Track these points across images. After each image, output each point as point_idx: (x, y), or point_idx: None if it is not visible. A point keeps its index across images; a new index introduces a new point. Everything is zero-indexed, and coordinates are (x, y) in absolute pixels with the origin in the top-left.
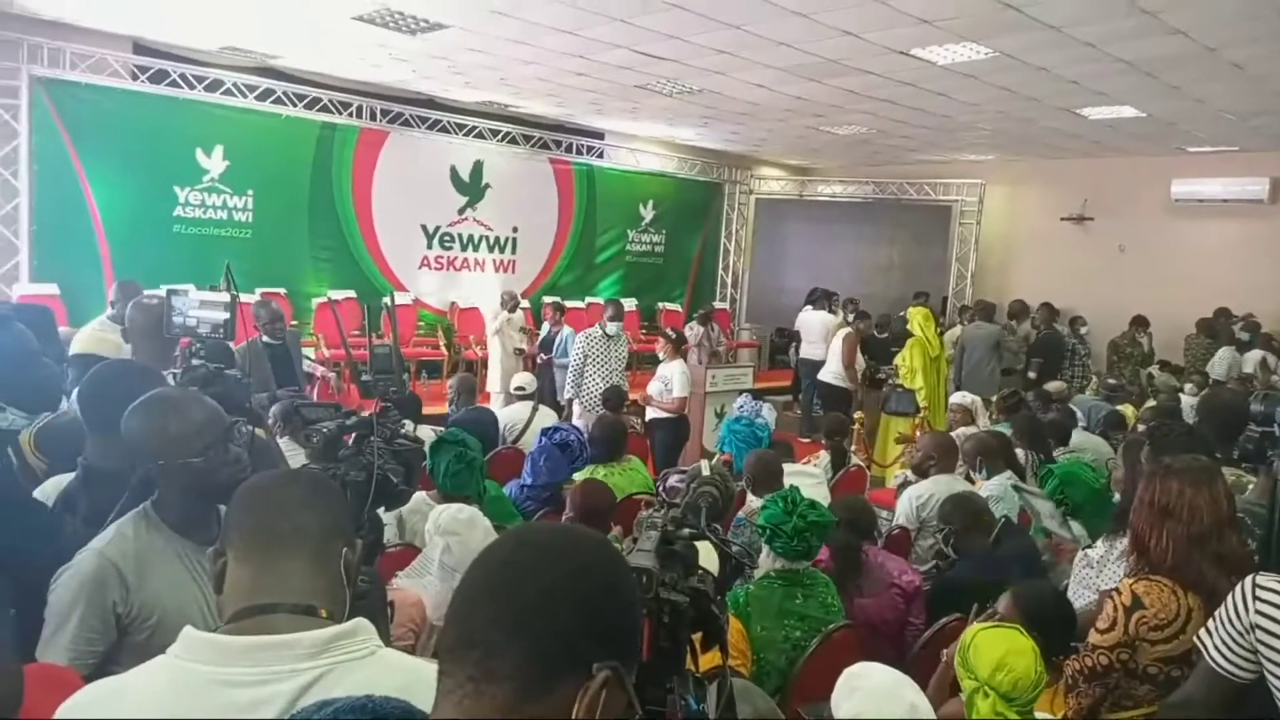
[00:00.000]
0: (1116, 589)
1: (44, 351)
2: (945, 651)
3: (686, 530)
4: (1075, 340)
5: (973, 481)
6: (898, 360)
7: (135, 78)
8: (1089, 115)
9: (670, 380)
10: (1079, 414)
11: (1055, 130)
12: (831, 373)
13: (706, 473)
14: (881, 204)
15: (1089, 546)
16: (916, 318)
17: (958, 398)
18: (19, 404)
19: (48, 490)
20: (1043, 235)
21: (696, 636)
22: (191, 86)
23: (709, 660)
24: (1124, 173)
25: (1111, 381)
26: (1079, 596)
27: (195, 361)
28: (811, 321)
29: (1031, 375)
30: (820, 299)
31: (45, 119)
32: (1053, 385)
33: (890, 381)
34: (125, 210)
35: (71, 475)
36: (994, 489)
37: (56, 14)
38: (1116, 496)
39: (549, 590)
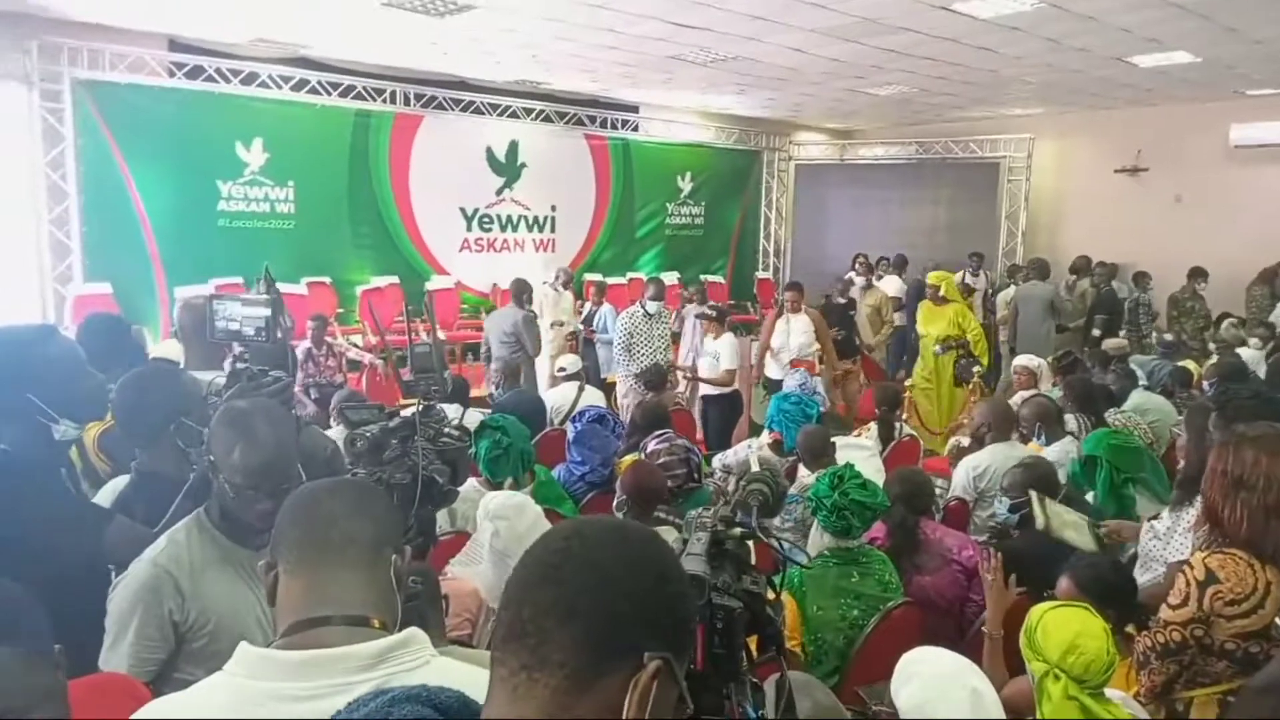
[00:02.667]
0: (1188, 563)
1: (121, 356)
2: (984, 630)
3: (738, 529)
4: (1139, 295)
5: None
6: (949, 330)
7: (172, 75)
8: (1140, 63)
9: (719, 354)
10: (1139, 373)
11: (1105, 80)
12: None
13: (756, 468)
14: (926, 164)
15: (1154, 518)
16: (944, 284)
17: (1022, 360)
18: (70, 415)
19: (106, 493)
20: (1095, 189)
21: (751, 640)
22: (227, 80)
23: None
24: (1179, 120)
25: (1168, 338)
26: (1146, 569)
27: (239, 365)
28: (891, 289)
29: (1096, 333)
30: (896, 264)
31: (89, 121)
32: (1111, 343)
33: (955, 350)
34: (170, 207)
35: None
36: (1055, 455)
37: (94, 16)
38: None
39: (601, 579)
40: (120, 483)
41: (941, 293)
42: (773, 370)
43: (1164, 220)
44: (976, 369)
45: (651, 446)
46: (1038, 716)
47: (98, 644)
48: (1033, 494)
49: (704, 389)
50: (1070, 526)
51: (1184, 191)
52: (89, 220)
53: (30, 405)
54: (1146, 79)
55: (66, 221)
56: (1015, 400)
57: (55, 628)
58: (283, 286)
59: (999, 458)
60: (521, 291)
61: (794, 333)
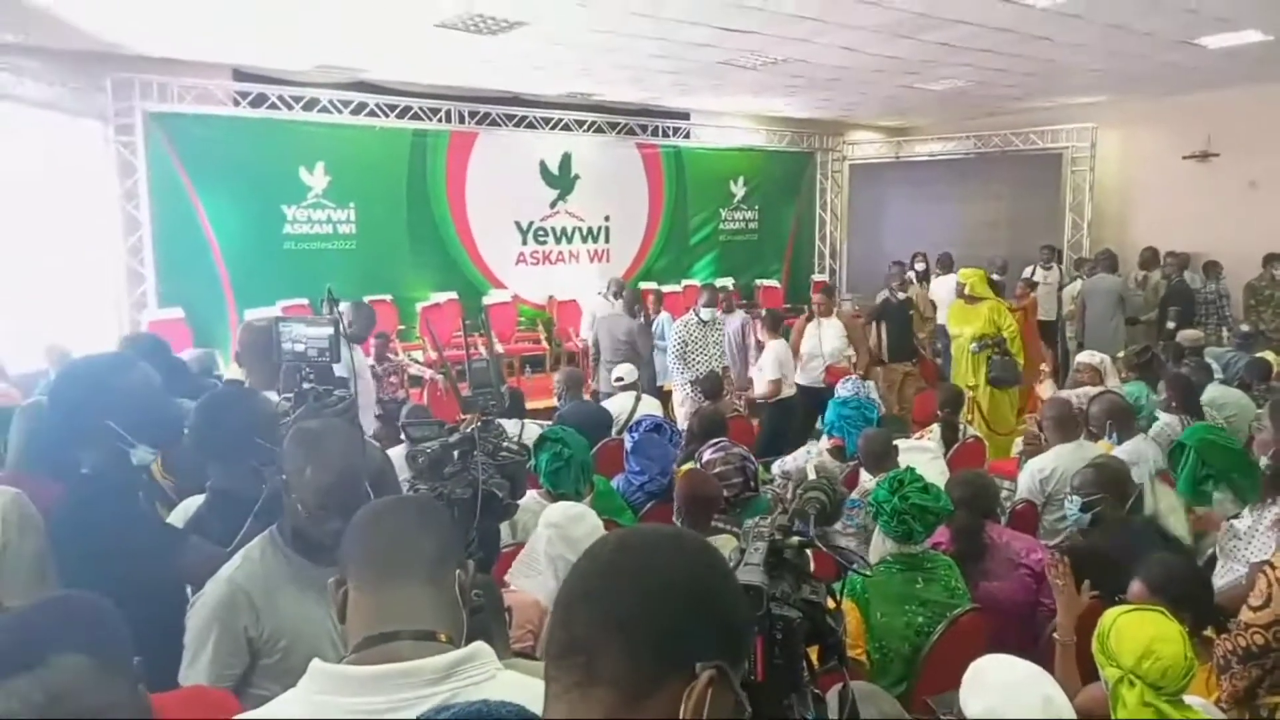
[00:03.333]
0: (1270, 562)
1: (168, 378)
2: (1055, 635)
3: (796, 539)
4: (1212, 285)
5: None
6: (984, 329)
7: (237, 104)
8: (1208, 45)
9: (763, 366)
10: (1215, 366)
11: (1171, 65)
12: None
13: (813, 476)
14: (985, 158)
15: (1235, 517)
16: (975, 279)
17: (1085, 356)
18: (147, 440)
19: (179, 513)
20: (1163, 177)
21: (812, 650)
22: (290, 107)
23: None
24: (1251, 102)
25: (1244, 329)
26: (1227, 570)
27: (305, 385)
28: (946, 289)
29: (1170, 325)
30: (942, 264)
31: (159, 151)
32: (1187, 334)
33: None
34: (238, 232)
35: (202, 497)
36: (1128, 454)
37: (163, 51)
38: (1263, 460)
39: (650, 592)
40: (193, 503)
41: (968, 290)
42: (800, 377)
43: (1237, 207)
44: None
45: (707, 456)
46: None
47: (177, 662)
48: (1149, 473)
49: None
50: (1173, 512)
51: (1258, 176)
52: (161, 248)
53: (109, 431)
54: (1216, 61)
55: (140, 250)
56: (1077, 396)
57: (135, 647)
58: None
59: (1066, 459)
60: (634, 301)
61: (826, 338)
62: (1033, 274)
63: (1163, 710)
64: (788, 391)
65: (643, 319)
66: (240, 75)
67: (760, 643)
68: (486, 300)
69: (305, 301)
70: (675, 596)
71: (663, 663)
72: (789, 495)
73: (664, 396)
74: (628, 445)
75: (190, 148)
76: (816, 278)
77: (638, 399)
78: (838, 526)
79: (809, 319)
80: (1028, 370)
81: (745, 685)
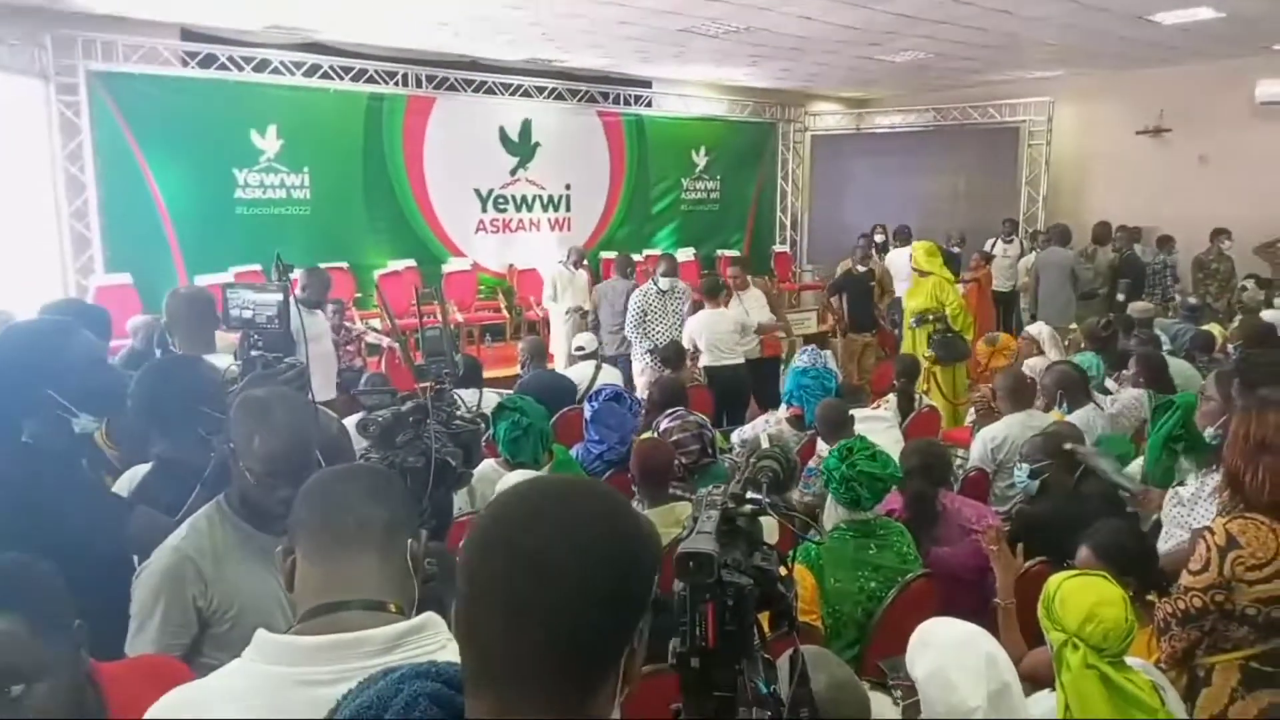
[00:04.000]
0: (1209, 528)
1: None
2: (996, 601)
3: (748, 506)
4: (1163, 259)
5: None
6: (926, 304)
7: (185, 64)
8: (1163, 20)
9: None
10: (1163, 338)
11: (1127, 39)
12: None
13: (766, 445)
14: (944, 131)
15: (1180, 484)
16: (920, 253)
17: (1030, 328)
18: (89, 409)
19: (124, 482)
20: (1117, 152)
21: (763, 616)
22: (240, 68)
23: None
24: (1203, 78)
25: (1192, 301)
26: (1171, 536)
27: (254, 352)
28: (901, 260)
29: (1121, 297)
30: (899, 236)
31: (105, 112)
32: (1137, 306)
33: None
34: (188, 196)
35: (148, 466)
36: (1079, 423)
37: (106, 8)
38: (1208, 430)
39: (570, 609)
40: (139, 472)
41: (913, 264)
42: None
43: (1188, 181)
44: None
45: (664, 424)
46: (1058, 687)
47: (123, 632)
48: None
49: (704, 360)
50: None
51: (1208, 151)
52: (108, 212)
53: (49, 400)
54: (1170, 37)
55: (86, 214)
56: (1027, 368)
57: (81, 617)
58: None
59: (1016, 428)
60: (625, 264)
61: (752, 310)
62: (993, 246)
63: (1105, 671)
64: (708, 360)
65: (634, 281)
66: (188, 35)
67: (711, 610)
68: (446, 269)
69: (258, 268)
70: (598, 602)
71: (599, 666)
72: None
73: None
74: (587, 414)
75: (137, 109)
76: (778, 249)
77: (598, 368)
78: (794, 495)
79: (728, 296)
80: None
81: (696, 652)
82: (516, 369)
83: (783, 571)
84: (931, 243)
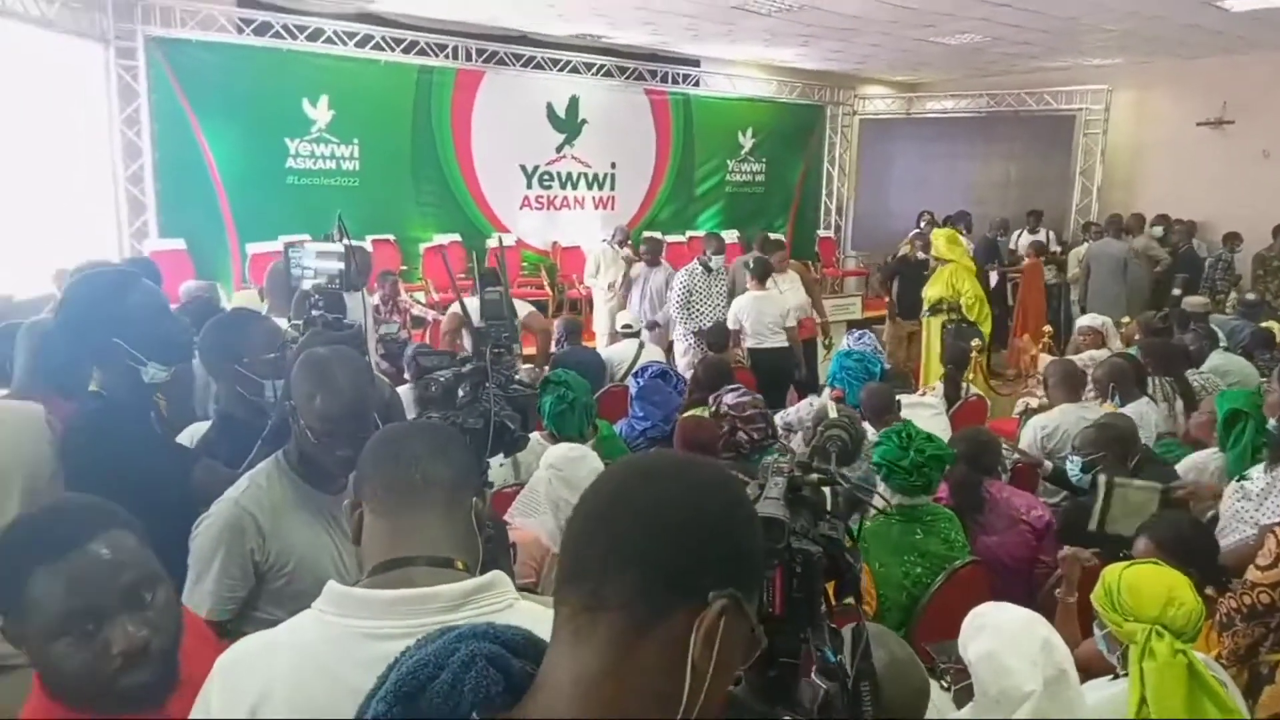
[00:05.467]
0: None
1: None
2: (1058, 591)
3: (814, 475)
4: (1222, 253)
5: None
6: (942, 292)
7: (240, 31)
8: (1231, 7)
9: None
10: (1219, 334)
11: (1192, 27)
12: None
13: (834, 414)
14: (997, 117)
15: (1243, 478)
16: (940, 240)
17: (1087, 319)
18: (157, 357)
19: (184, 437)
20: (1175, 143)
21: (829, 586)
22: (294, 36)
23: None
24: (1270, 69)
25: (1250, 297)
26: (1233, 530)
27: (314, 313)
28: None
29: (1177, 292)
30: (959, 221)
31: (161, 78)
32: (1192, 300)
33: (945, 315)
34: (241, 164)
35: (207, 424)
36: (1130, 416)
37: None
38: (1271, 422)
39: (662, 517)
40: (200, 428)
41: (933, 252)
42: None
43: (1249, 176)
44: (975, 341)
45: (730, 400)
46: (1129, 679)
47: (183, 582)
48: (1101, 480)
49: (749, 342)
50: (1135, 511)
51: (1271, 146)
52: (163, 177)
53: (117, 349)
54: (1238, 25)
55: (141, 179)
56: (1083, 359)
57: None
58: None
59: (1070, 417)
60: (656, 249)
61: (786, 292)
62: (1018, 237)
63: (1192, 660)
64: (752, 342)
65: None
66: (245, 1)
67: (779, 576)
68: (490, 244)
69: (308, 238)
70: (687, 522)
71: (674, 590)
72: (795, 444)
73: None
74: (632, 391)
75: (192, 75)
76: (822, 234)
77: (641, 346)
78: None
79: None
80: (1030, 330)
81: (762, 619)
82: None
83: (848, 542)
84: (953, 230)
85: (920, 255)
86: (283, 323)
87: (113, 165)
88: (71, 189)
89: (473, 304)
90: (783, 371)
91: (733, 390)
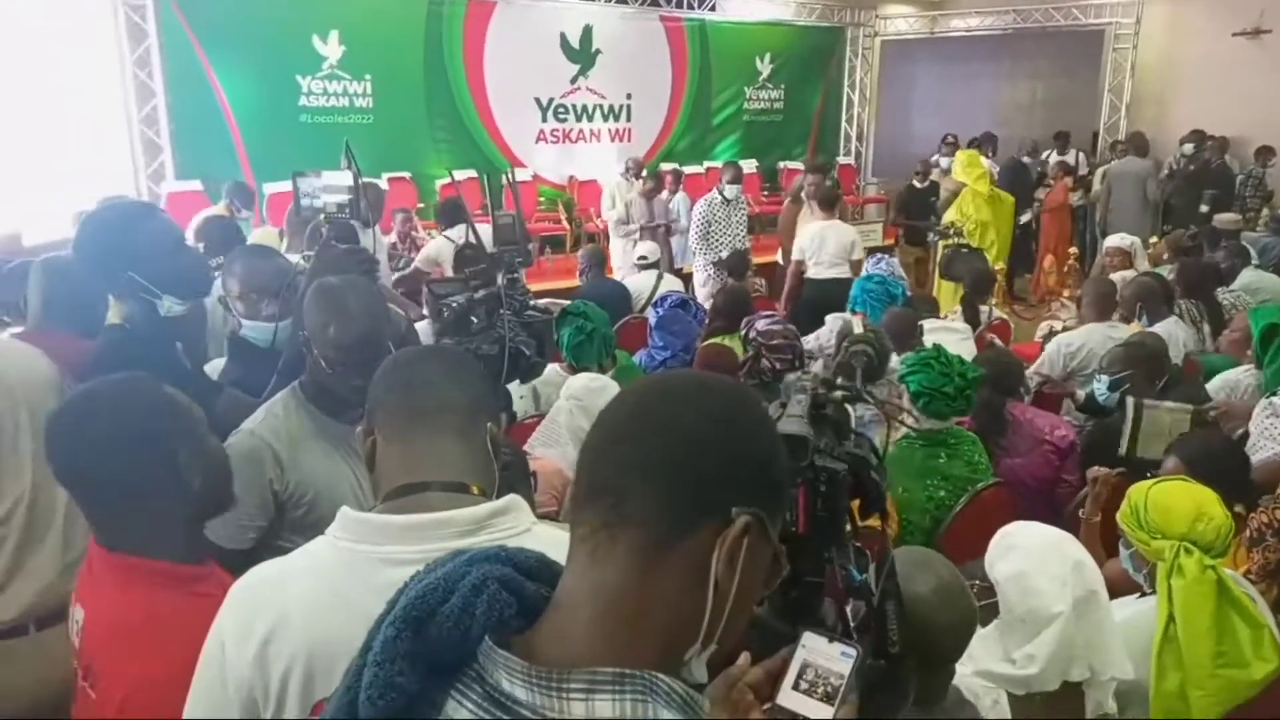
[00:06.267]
0: None
1: None
2: (1083, 511)
3: (839, 393)
4: (1253, 169)
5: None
6: (951, 216)
7: None
8: None
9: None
10: (1251, 251)
11: None
12: None
13: (859, 329)
14: (1023, 34)
15: (1274, 394)
16: (959, 163)
17: (1114, 240)
18: (173, 291)
19: (208, 371)
20: (1210, 56)
21: (854, 504)
22: None
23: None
24: None
25: None
26: (1262, 448)
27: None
28: None
29: (1204, 209)
30: (985, 142)
31: (171, 18)
32: (1225, 217)
33: (950, 239)
34: (254, 103)
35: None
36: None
37: None
38: None
39: (684, 432)
40: (220, 364)
41: (952, 173)
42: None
43: None
44: (1000, 265)
45: (762, 325)
46: (1157, 597)
47: None
48: (1129, 402)
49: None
50: (1165, 433)
51: None
52: (177, 118)
53: (131, 282)
54: None
55: (156, 120)
56: (1114, 279)
57: None
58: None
59: (1096, 337)
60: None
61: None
62: (1047, 158)
63: (1221, 576)
64: (814, 272)
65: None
66: None
67: (803, 494)
68: (508, 175)
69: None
70: (711, 440)
71: (697, 505)
72: (818, 367)
73: (684, 279)
74: (651, 321)
75: (201, 14)
76: (842, 161)
77: (659, 277)
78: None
79: (798, 206)
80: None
81: (785, 538)
82: (576, 280)
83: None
84: (973, 151)
85: (918, 184)
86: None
87: (126, 108)
88: (86, 133)
89: (485, 231)
90: (839, 303)
91: (766, 317)
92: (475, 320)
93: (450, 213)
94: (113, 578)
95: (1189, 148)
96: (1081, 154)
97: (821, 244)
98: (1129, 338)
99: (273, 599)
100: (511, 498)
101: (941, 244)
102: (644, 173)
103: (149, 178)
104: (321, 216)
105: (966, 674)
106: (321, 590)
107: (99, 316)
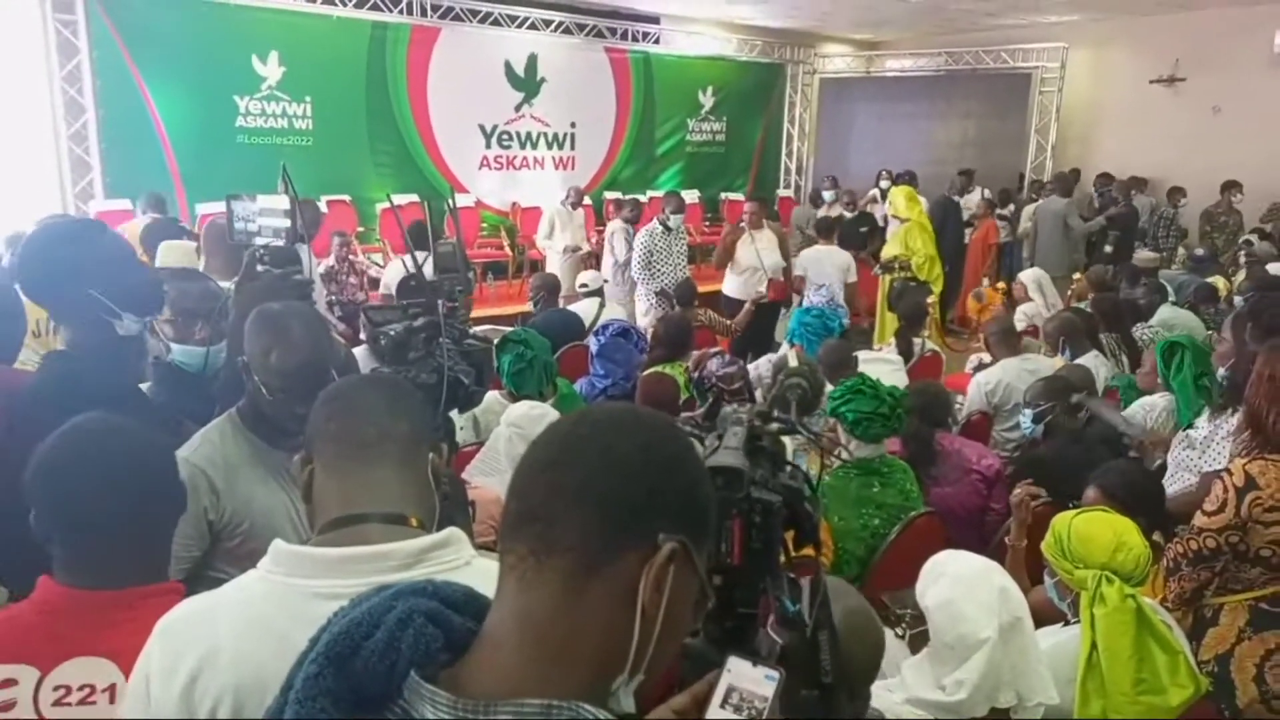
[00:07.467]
0: (1227, 469)
1: None
2: (1008, 539)
3: (774, 425)
4: (1164, 210)
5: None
6: (895, 250)
7: None
8: None
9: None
10: (1169, 289)
11: None
12: None
13: (794, 363)
14: (955, 76)
15: (1189, 427)
16: (899, 198)
17: (1024, 274)
18: (132, 309)
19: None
20: (1130, 101)
21: (788, 536)
22: None
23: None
24: (1221, 26)
25: (1199, 253)
26: (1177, 479)
27: (260, 268)
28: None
29: (1107, 249)
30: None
31: (103, 33)
32: (1143, 255)
33: (897, 273)
34: (189, 123)
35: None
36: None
37: None
38: (1220, 371)
39: (613, 462)
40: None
41: (889, 210)
42: (732, 287)
43: (1200, 132)
44: (930, 299)
45: (715, 365)
46: (1080, 625)
47: None
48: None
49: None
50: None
51: (1222, 102)
52: (107, 136)
53: (91, 301)
54: None
55: (85, 137)
56: (1019, 313)
57: None
58: None
59: (1010, 372)
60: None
61: (764, 250)
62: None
63: (1141, 604)
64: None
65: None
66: None
67: (738, 526)
68: (449, 201)
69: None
70: (639, 469)
71: (622, 530)
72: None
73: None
74: (593, 349)
75: (135, 30)
76: (782, 193)
77: (601, 304)
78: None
79: (739, 234)
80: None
81: (721, 569)
82: (520, 307)
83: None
84: (910, 188)
85: (847, 214)
86: (224, 284)
87: (54, 124)
88: (11, 149)
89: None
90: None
91: (716, 356)
92: (414, 350)
93: (417, 237)
94: (93, 618)
95: (1092, 191)
96: (986, 190)
97: (819, 268)
98: (1057, 370)
99: (201, 634)
100: (451, 531)
101: (888, 278)
102: (586, 200)
103: (77, 196)
104: (256, 242)
105: (897, 702)
106: (252, 625)
107: (15, 342)
